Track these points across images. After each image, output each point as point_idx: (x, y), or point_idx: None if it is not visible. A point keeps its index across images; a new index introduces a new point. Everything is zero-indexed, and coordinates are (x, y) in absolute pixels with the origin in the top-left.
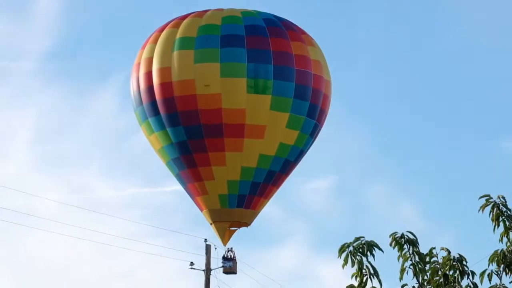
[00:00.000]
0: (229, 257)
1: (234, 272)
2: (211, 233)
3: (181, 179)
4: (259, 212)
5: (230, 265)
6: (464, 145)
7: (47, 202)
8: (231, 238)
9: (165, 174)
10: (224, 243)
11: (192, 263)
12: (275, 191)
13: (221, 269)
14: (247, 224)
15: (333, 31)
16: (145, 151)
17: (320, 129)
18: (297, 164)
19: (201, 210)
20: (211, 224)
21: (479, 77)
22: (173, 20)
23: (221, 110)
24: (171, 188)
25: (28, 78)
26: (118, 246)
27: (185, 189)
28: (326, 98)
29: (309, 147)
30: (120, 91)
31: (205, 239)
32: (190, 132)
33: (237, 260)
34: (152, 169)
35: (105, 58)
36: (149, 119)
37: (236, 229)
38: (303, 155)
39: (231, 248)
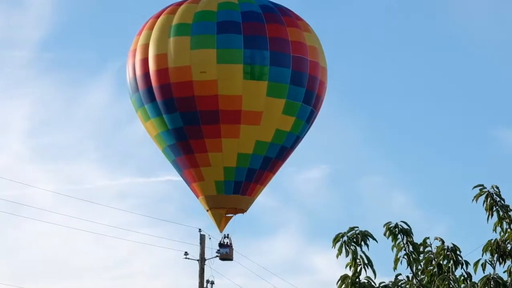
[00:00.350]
0: (225, 243)
1: (231, 259)
2: (205, 223)
3: (177, 166)
4: (255, 199)
5: (226, 252)
6: (458, 135)
7: (42, 192)
8: (227, 225)
9: (159, 164)
10: (221, 230)
11: (186, 253)
12: (271, 178)
13: (216, 259)
14: (243, 210)
15: (329, 18)
16: (139, 141)
17: (316, 115)
18: (293, 150)
19: (197, 197)
20: (207, 210)
21: (471, 69)
22: (169, 6)
23: (218, 96)
24: (165, 178)
25: (23, 68)
26: (113, 235)
27: (181, 175)
28: (322, 85)
29: (305, 133)
30: (115, 81)
31: (199, 229)
32: (187, 119)
33: (233, 247)
34: (146, 159)
35: (100, 48)
36: (145, 106)
37: (232, 216)
38: (299, 141)
39: (227, 234)
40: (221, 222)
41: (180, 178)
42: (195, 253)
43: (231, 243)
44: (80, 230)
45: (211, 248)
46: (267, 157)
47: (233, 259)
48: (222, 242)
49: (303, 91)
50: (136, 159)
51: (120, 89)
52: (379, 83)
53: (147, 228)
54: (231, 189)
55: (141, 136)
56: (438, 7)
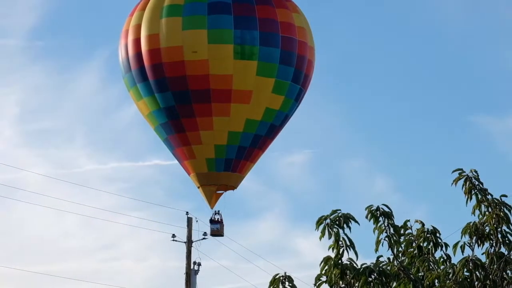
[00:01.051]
0: (216, 219)
1: (221, 234)
2: (192, 206)
3: (169, 144)
4: (245, 176)
5: (217, 228)
6: (438, 120)
7: (33, 176)
8: (217, 201)
9: (146, 148)
10: (211, 206)
11: (174, 235)
12: (260, 155)
13: (203, 241)
14: (233, 187)
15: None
16: (127, 127)
17: (304, 94)
18: (282, 128)
19: (189, 174)
20: (198, 187)
21: (451, 56)
22: None
23: (209, 76)
24: (153, 162)
25: (14, 55)
26: (102, 218)
27: (172, 153)
28: (310, 64)
29: (294, 112)
30: (103, 67)
31: (187, 212)
32: (178, 98)
33: (223, 223)
34: (134, 144)
35: (89, 35)
36: (138, 85)
37: (223, 192)
38: (288, 119)
39: (218, 211)
40: (211, 198)
41: (167, 162)
42: (182, 235)
43: (221, 219)
44: (70, 213)
45: (198, 231)
46: (257, 135)
47: (224, 234)
48: (213, 218)
49: (292, 71)
50: (124, 144)
51: (109, 76)
52: (360, 68)
53: (135, 211)
54: (222, 167)
55: (129, 122)
56: None
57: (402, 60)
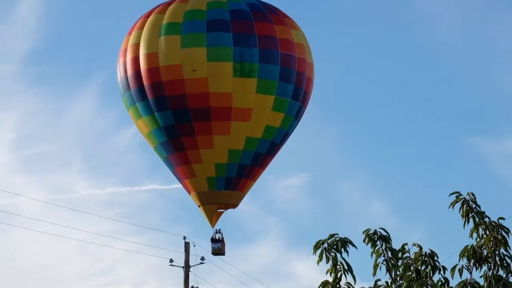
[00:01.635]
0: (217, 238)
1: (223, 253)
2: (189, 231)
3: (169, 163)
4: (245, 194)
5: (218, 246)
6: (436, 143)
7: (30, 201)
8: (218, 220)
9: (142, 173)
10: (212, 225)
11: (171, 260)
12: (261, 173)
13: (200, 266)
14: (234, 205)
15: (315, 14)
16: (124, 151)
17: (304, 111)
18: (282, 145)
19: (189, 193)
20: (199, 206)
21: (447, 77)
22: (158, 6)
23: (208, 94)
24: (150, 187)
25: (10, 81)
26: (99, 243)
27: (173, 172)
28: (310, 81)
29: (294, 129)
30: (99, 92)
31: (184, 237)
32: (178, 116)
33: (225, 242)
34: (130, 169)
35: (85, 60)
36: (137, 104)
37: (224, 211)
38: (288, 137)
39: (219, 229)
40: (212, 217)
41: (164, 187)
42: (180, 260)
43: (222, 238)
44: (66, 238)
45: (196, 255)
46: (257, 153)
47: (225, 253)
48: (214, 237)
49: (291, 88)
50: (120, 169)
51: (105, 100)
52: (356, 91)
53: (132, 236)
54: (222, 185)
55: (126, 146)
56: (424, 15)
57: (400, 82)
